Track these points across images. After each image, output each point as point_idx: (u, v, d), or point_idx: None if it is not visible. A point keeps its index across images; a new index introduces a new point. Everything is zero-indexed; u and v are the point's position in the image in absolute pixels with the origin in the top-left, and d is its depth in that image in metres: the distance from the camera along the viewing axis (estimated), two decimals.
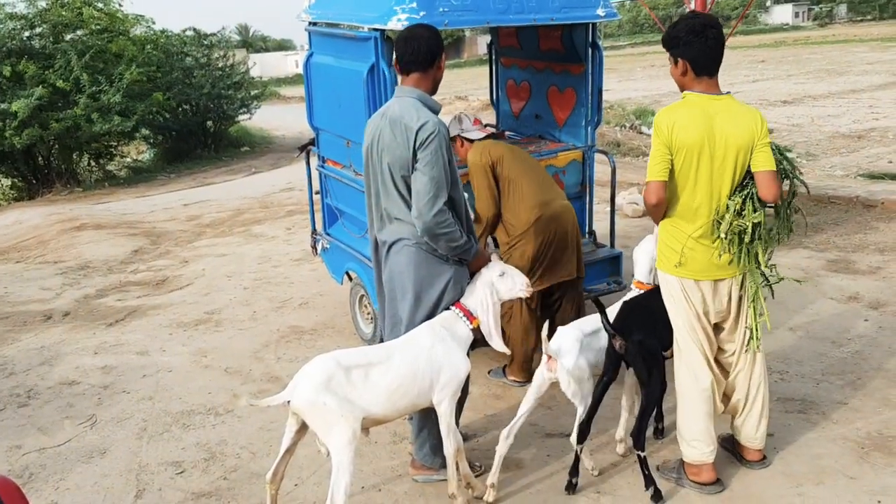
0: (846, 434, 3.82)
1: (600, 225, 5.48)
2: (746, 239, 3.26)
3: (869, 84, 19.70)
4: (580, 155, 5.27)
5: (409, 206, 3.37)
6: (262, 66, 26.11)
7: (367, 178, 3.53)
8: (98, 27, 14.25)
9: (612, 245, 5.40)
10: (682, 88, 3.36)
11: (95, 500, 3.74)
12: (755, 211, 3.24)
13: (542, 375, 3.49)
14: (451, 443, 3.34)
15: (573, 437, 3.49)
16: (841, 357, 4.63)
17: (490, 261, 3.56)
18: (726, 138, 3.22)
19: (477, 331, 3.45)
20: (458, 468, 3.40)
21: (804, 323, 5.15)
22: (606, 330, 3.40)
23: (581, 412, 3.46)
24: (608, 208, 5.49)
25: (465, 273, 3.51)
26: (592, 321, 3.64)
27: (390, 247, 3.49)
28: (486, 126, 4.82)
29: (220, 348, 5.45)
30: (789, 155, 3.55)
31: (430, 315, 3.45)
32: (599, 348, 3.52)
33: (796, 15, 66.16)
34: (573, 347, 3.46)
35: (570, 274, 4.55)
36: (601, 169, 5.74)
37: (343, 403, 3.06)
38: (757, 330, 3.41)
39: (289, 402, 3.11)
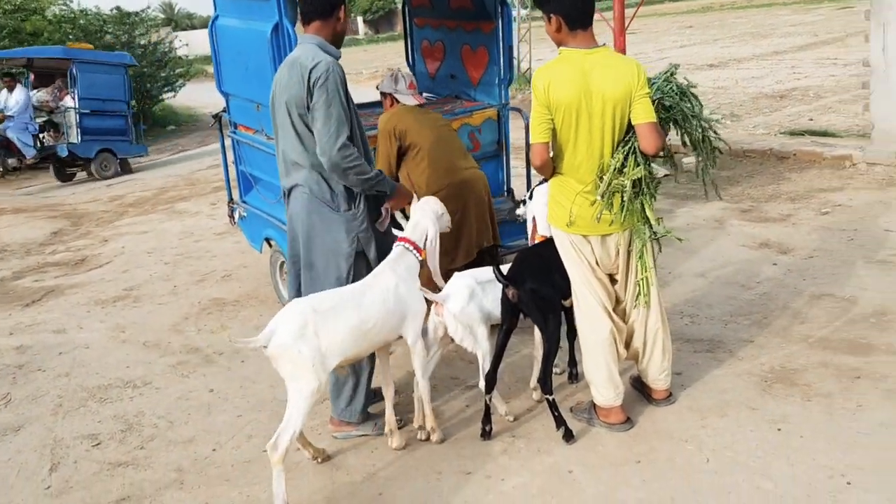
0: (751, 369, 3.96)
1: (517, 182, 5.53)
2: (626, 196, 3.30)
3: (791, 45, 20.14)
4: (495, 113, 5.31)
5: (304, 147, 3.42)
6: (191, 44, 25.40)
7: (275, 126, 3.58)
8: (11, 6, 13.69)
9: None
10: (559, 45, 3.36)
11: (8, 476, 3.66)
12: (637, 165, 3.28)
13: (432, 320, 3.57)
14: (425, 382, 3.51)
15: (482, 386, 3.55)
16: (749, 299, 4.79)
17: (412, 196, 3.71)
18: (603, 93, 3.22)
19: (423, 262, 3.57)
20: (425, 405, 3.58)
21: (716, 269, 5.30)
22: (498, 280, 3.45)
23: (480, 359, 3.53)
24: (525, 166, 5.54)
25: (359, 223, 3.52)
26: (490, 271, 3.69)
27: (290, 192, 3.56)
28: (420, 94, 4.77)
29: (138, 323, 5.36)
30: (694, 90, 3.52)
31: (324, 261, 3.52)
32: (495, 297, 3.57)
33: None
34: (461, 293, 3.51)
35: (489, 240, 4.60)
36: (517, 126, 5.75)
37: (316, 354, 3.11)
38: (643, 286, 3.49)
39: (265, 347, 3.12)
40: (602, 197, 3.31)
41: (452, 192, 4.38)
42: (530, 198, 4.14)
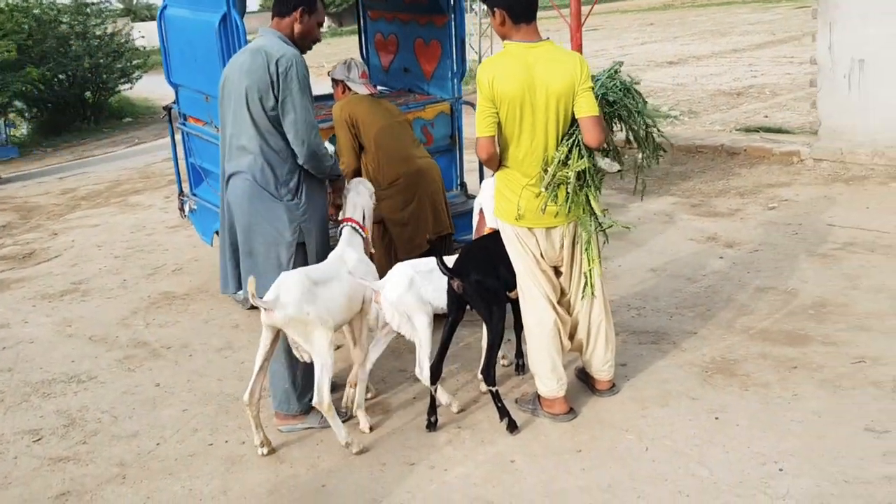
0: (693, 360, 4.03)
1: (471, 177, 5.56)
2: (570, 188, 3.33)
3: (749, 44, 20.44)
4: (448, 107, 5.34)
5: (258, 132, 3.46)
6: (149, 35, 24.97)
7: (222, 110, 3.60)
8: None
9: None
10: (504, 39, 3.39)
11: None
12: (581, 157, 3.31)
13: (373, 308, 3.58)
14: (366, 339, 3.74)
15: (422, 376, 3.58)
16: (694, 292, 4.87)
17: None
18: (546, 87, 3.26)
19: (366, 241, 3.78)
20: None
21: (664, 263, 5.38)
22: (442, 272, 3.47)
23: (417, 348, 3.55)
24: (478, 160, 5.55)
25: (301, 213, 3.55)
26: (432, 261, 3.71)
27: (230, 177, 3.57)
28: (372, 84, 4.76)
29: (86, 317, 5.29)
30: (637, 87, 3.59)
31: (265, 249, 3.54)
32: (436, 287, 3.58)
33: None
34: (400, 282, 3.53)
35: (446, 228, 4.62)
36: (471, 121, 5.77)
37: (321, 311, 3.34)
38: (592, 276, 3.53)
39: (269, 310, 3.30)
40: (546, 188, 3.35)
41: (408, 182, 4.40)
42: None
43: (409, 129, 4.70)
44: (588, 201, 3.45)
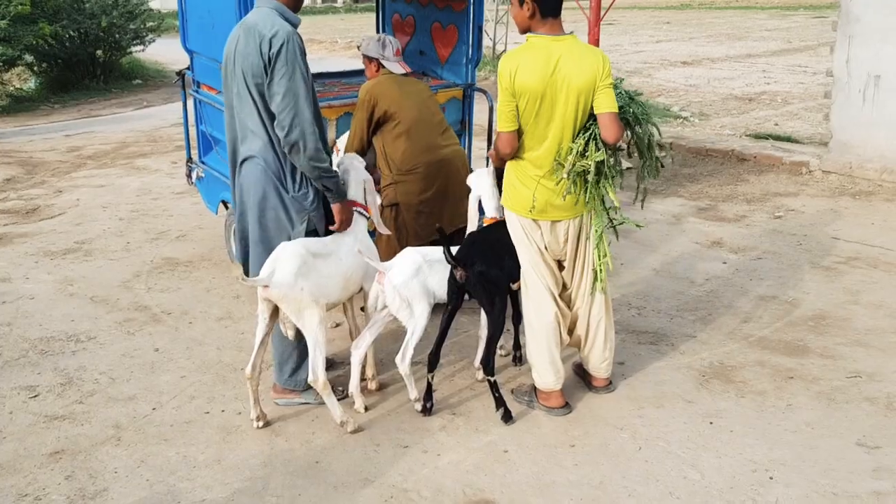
0: (691, 363, 4.05)
1: (479, 164, 5.55)
2: (590, 178, 3.34)
3: (765, 50, 20.35)
4: (460, 93, 5.31)
5: (261, 117, 3.39)
6: None
7: (226, 91, 3.52)
8: None
9: None
10: (527, 31, 3.38)
11: None
12: (598, 150, 3.32)
13: (374, 288, 3.60)
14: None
15: (403, 364, 3.56)
16: (696, 295, 4.88)
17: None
18: (568, 81, 3.26)
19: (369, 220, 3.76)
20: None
21: (667, 264, 5.39)
22: (447, 260, 3.47)
23: (409, 334, 3.54)
24: (486, 147, 5.54)
25: (310, 202, 3.52)
26: (440, 251, 3.70)
27: (243, 162, 3.51)
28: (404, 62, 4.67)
29: (87, 277, 5.28)
30: (641, 98, 3.63)
31: (276, 237, 3.50)
32: (441, 278, 3.57)
33: None
34: (407, 267, 3.53)
35: (463, 221, 4.58)
36: (483, 108, 5.75)
37: (315, 288, 3.32)
38: (601, 272, 3.54)
39: (266, 286, 3.29)
40: (567, 176, 3.34)
41: (429, 171, 4.32)
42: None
43: (439, 113, 4.55)
44: (605, 194, 3.46)
